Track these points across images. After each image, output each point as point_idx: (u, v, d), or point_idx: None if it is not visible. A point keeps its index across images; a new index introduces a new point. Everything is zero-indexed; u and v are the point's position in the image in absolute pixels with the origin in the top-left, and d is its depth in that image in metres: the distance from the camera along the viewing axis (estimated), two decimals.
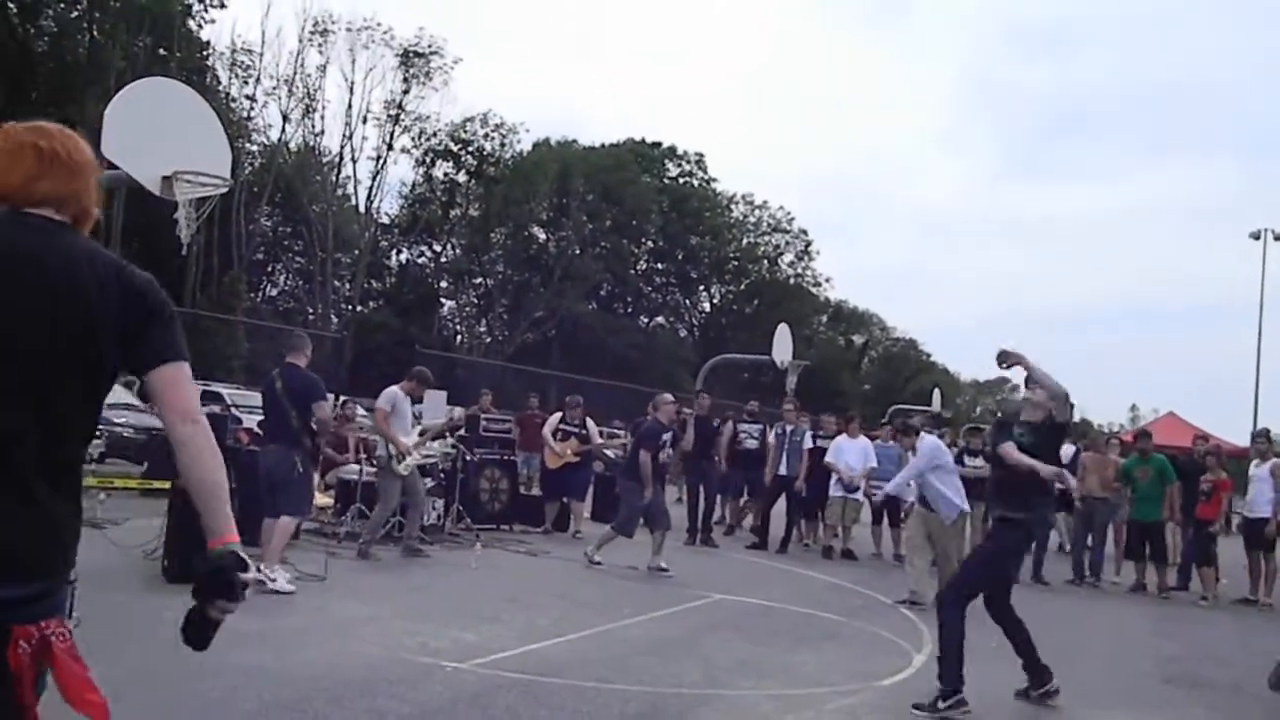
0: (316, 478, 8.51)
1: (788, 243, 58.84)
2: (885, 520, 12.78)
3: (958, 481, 9.03)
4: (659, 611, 7.75)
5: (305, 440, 7.49)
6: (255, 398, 19.47)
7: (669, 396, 10.72)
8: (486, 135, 46.78)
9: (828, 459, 12.36)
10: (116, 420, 15.10)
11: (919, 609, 8.56)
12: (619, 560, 9.80)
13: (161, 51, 32.37)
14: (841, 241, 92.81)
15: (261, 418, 8.70)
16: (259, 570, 7.22)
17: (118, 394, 17.04)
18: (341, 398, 14.19)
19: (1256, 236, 31.66)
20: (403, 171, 53.23)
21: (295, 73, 39.09)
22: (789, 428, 12.93)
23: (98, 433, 11.74)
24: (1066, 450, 11.03)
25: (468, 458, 11.51)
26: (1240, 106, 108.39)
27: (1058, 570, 12.25)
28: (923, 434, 9.48)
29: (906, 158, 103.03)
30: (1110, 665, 7.28)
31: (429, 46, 41.95)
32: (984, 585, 5.79)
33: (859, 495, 12.38)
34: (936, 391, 42.26)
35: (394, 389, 9.39)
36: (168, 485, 8.74)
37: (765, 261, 58.64)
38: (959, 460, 12.68)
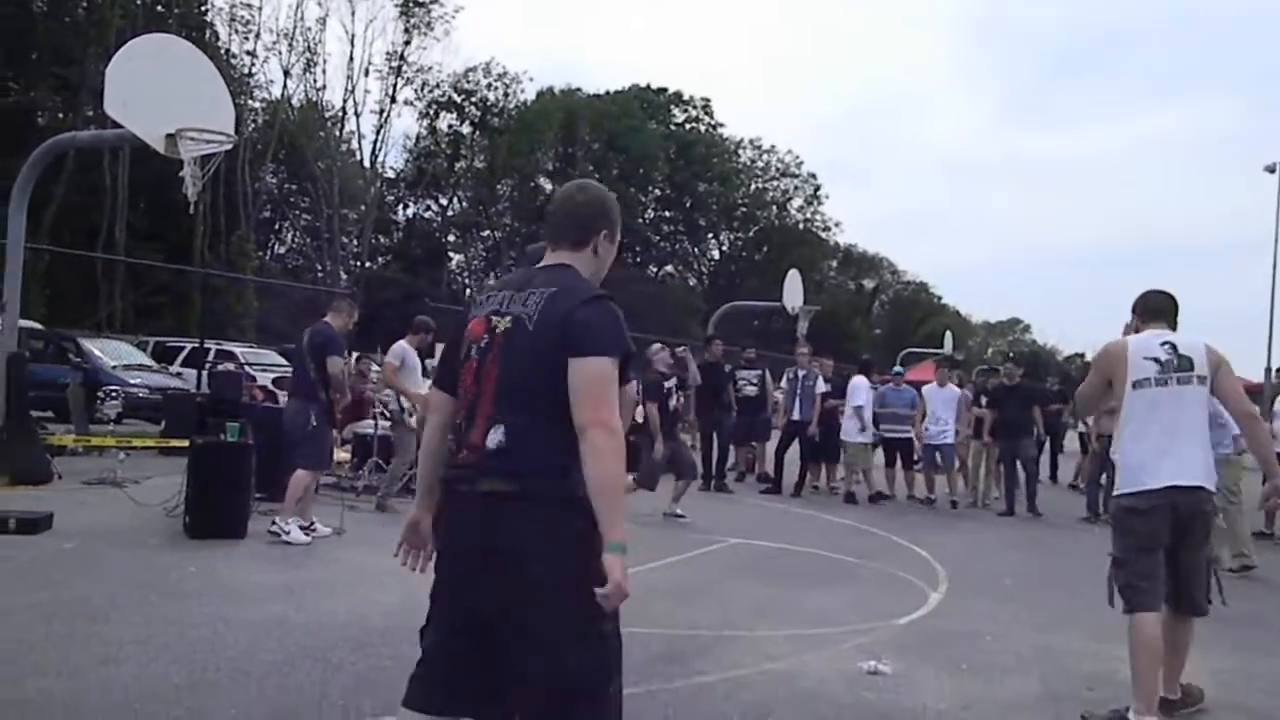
0: (334, 433, 8.55)
1: (796, 187, 58.48)
2: (899, 462, 12.83)
3: None
4: (676, 556, 7.81)
5: (321, 395, 7.52)
6: (268, 355, 19.66)
7: (657, 346, 10.71)
8: (490, 85, 46.46)
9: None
10: (132, 381, 15.20)
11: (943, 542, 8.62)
12: (635, 507, 9.86)
13: (160, 8, 32.10)
14: (851, 185, 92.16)
15: (275, 375, 8.78)
16: (273, 523, 7.33)
17: (132, 355, 17.13)
18: (354, 354, 14.24)
19: (1271, 169, 31.24)
20: (406, 124, 53.25)
21: (295, 26, 38.88)
22: (801, 373, 12.92)
23: (114, 393, 11.85)
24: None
25: None
26: (1250, 39, 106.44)
27: (1073, 509, 12.30)
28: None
29: (915, 99, 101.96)
30: None
31: None
32: None
33: (869, 437, 12.46)
34: (948, 334, 42.21)
35: (401, 343, 9.40)
36: (185, 443, 8.81)
37: (774, 207, 58.28)
38: (976, 401, 12.73)
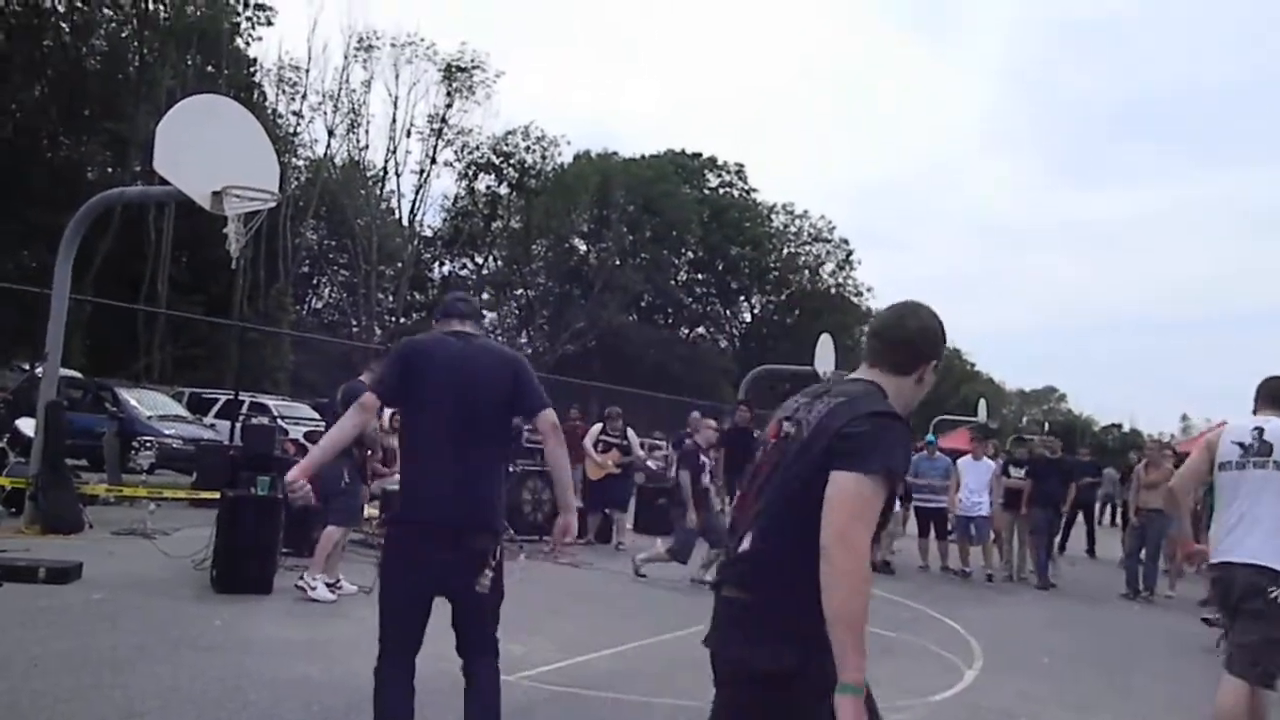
0: (365, 490, 8.56)
1: (829, 252, 58.51)
2: (932, 532, 12.64)
3: None
4: (703, 625, 7.66)
5: (354, 452, 7.54)
6: (301, 409, 19.79)
7: (711, 421, 10.67)
8: (528, 148, 47.07)
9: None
10: (166, 432, 15.33)
11: (965, 619, 8.43)
12: (663, 573, 9.75)
13: (210, 69, 32.96)
14: (883, 250, 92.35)
15: (308, 429, 8.80)
16: (300, 578, 7.30)
17: (168, 405, 17.31)
18: (388, 410, 14.30)
19: None
20: (445, 184, 53.85)
21: (340, 88, 39.66)
22: None
23: (149, 444, 11.92)
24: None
25: (510, 469, 11.51)
26: None
27: (1112, 584, 12.02)
28: None
29: (950, 165, 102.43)
30: (1167, 680, 7.10)
31: (471, 60, 42.32)
32: None
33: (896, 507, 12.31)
34: (982, 402, 41.82)
35: None
36: (216, 495, 8.83)
37: (806, 271, 58.33)
38: (1004, 471, 12.56)
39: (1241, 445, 4.40)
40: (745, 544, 2.32)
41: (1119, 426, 65.71)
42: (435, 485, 3.44)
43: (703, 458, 10.00)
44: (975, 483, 12.32)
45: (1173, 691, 6.81)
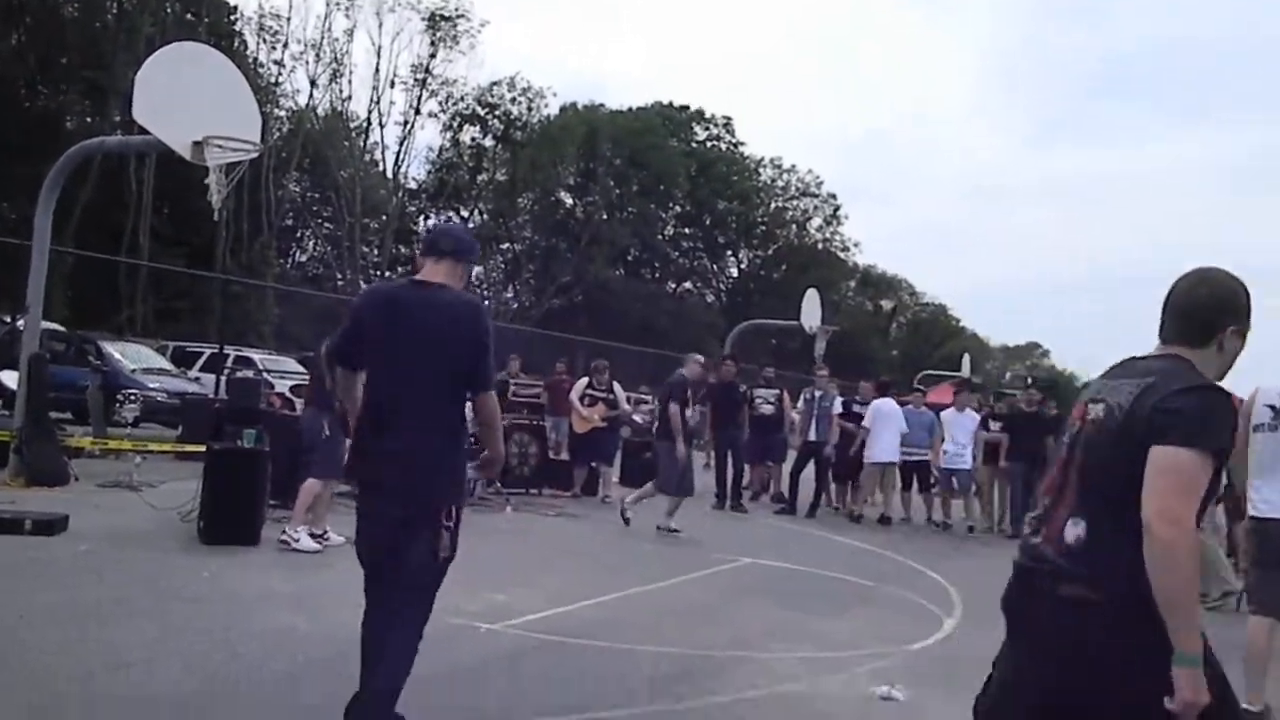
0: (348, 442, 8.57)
1: (816, 207, 58.35)
2: (915, 485, 12.76)
3: None
4: (689, 575, 7.77)
5: (335, 404, 7.51)
6: (286, 363, 19.72)
7: (700, 356, 10.74)
8: (513, 100, 46.52)
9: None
10: (151, 385, 15.28)
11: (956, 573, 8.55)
12: (649, 523, 9.84)
13: (190, 16, 32.39)
14: (870, 205, 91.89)
15: (293, 383, 8.80)
16: (283, 532, 7.33)
17: (152, 359, 17.24)
18: None
19: None
20: (430, 136, 53.33)
21: (322, 37, 39.06)
22: (818, 393, 12.88)
23: (133, 397, 11.89)
24: None
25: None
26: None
27: None
28: None
29: (937, 120, 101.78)
30: None
31: (456, 10, 41.65)
32: None
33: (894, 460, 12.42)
34: (966, 357, 42.04)
35: None
36: (202, 448, 8.83)
37: (793, 226, 58.19)
38: (984, 425, 12.66)
39: (1273, 408, 4.76)
40: (1073, 534, 2.26)
41: None
42: (385, 444, 3.35)
43: (688, 391, 10.08)
44: (959, 435, 12.42)
45: None
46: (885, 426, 12.25)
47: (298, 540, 7.27)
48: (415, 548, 3.30)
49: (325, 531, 7.59)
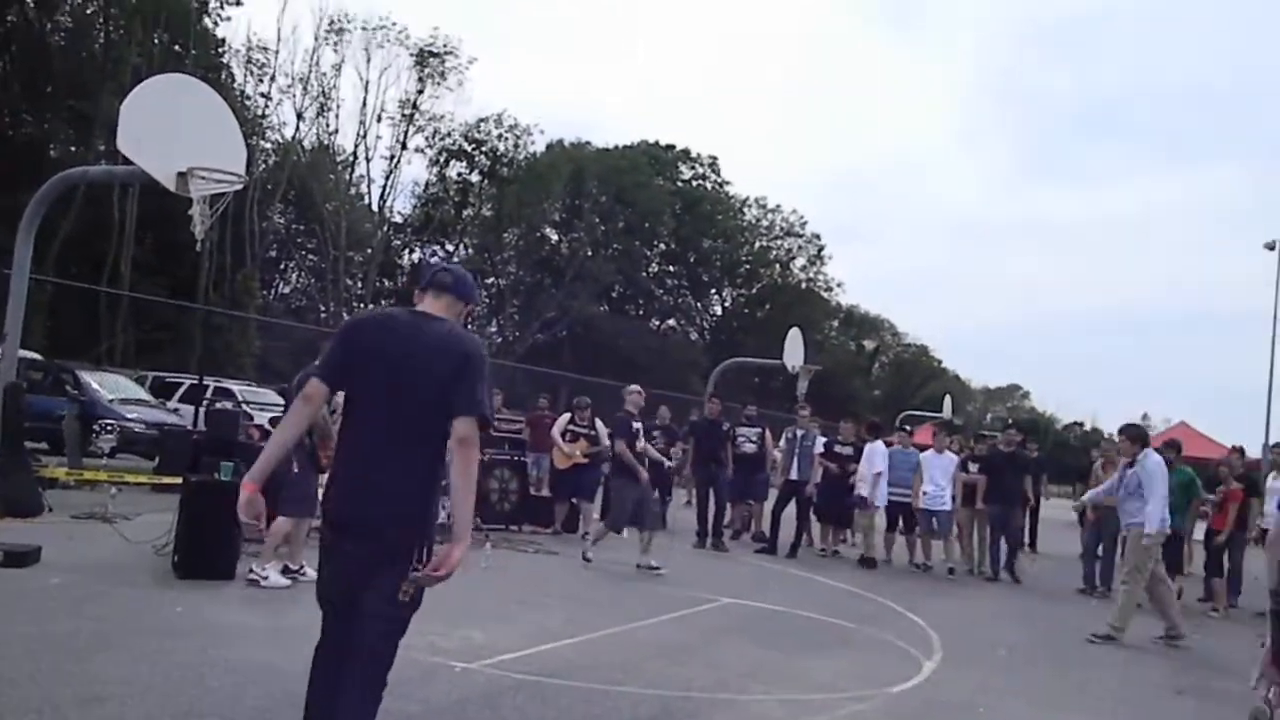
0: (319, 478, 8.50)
1: (800, 247, 58.81)
2: (900, 526, 12.76)
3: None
4: (669, 614, 7.72)
5: (305, 439, 7.43)
6: (266, 395, 19.61)
7: (634, 387, 10.84)
8: (500, 136, 46.85)
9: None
10: (129, 415, 15.15)
11: (930, 616, 8.53)
12: (627, 561, 9.79)
13: (177, 48, 32.48)
14: (855, 245, 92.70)
15: (273, 415, 8.74)
16: (250, 570, 7.23)
17: (130, 389, 17.10)
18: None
19: (1271, 247, 31.36)
20: (416, 171, 53.52)
21: (310, 71, 39.26)
22: (800, 432, 12.90)
23: (110, 427, 11.75)
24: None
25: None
26: (1258, 111, 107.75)
27: (1070, 580, 12.18)
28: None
29: (921, 162, 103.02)
30: (1121, 675, 7.22)
31: (444, 46, 42.06)
32: None
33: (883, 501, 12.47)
34: (948, 398, 42.23)
35: None
36: (178, 481, 8.75)
37: (777, 265, 58.58)
38: (963, 467, 12.70)
39: None
40: None
41: (1081, 425, 66.53)
42: (357, 479, 3.21)
43: (635, 424, 10.14)
44: (938, 476, 12.46)
45: (1127, 686, 6.93)
46: (884, 469, 12.38)
47: (266, 578, 7.19)
48: (379, 591, 3.16)
49: (302, 567, 7.51)
